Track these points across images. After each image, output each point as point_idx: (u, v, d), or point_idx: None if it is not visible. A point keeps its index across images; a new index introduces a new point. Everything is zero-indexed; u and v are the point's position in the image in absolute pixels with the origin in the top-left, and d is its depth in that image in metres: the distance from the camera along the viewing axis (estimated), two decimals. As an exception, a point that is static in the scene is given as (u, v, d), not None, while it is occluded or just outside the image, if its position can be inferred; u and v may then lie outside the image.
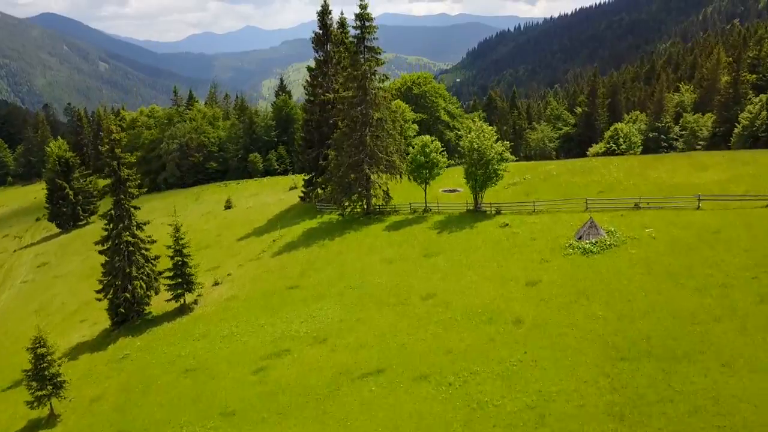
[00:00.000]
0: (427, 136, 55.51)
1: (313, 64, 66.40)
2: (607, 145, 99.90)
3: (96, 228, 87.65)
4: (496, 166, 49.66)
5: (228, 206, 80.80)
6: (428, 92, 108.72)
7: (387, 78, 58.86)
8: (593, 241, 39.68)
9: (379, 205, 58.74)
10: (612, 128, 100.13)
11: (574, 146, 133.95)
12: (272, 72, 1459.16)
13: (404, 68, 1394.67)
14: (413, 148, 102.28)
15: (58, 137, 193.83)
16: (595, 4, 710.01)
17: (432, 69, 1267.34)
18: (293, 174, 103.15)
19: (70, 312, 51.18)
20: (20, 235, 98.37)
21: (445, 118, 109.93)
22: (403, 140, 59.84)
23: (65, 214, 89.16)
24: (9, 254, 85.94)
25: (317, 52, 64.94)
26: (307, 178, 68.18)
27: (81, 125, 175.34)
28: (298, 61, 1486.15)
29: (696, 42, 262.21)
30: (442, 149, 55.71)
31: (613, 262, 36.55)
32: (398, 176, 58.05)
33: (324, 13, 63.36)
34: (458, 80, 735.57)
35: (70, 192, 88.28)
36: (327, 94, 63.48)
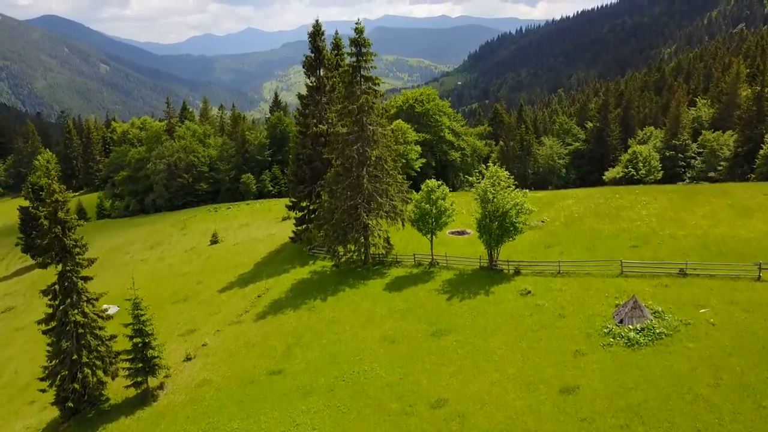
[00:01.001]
0: (433, 181, 48.37)
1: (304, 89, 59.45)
2: (626, 170, 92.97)
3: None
4: (514, 219, 42.60)
5: (214, 241, 73.81)
6: (431, 110, 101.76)
7: (378, 85, 51.66)
8: (638, 327, 32.58)
9: (378, 254, 51.70)
10: (630, 151, 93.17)
11: (585, 163, 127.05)
12: (273, 74, 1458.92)
13: (405, 70, 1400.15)
14: (415, 172, 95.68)
15: (46, 150, 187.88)
16: (597, 7, 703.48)
17: (433, 71, 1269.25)
18: (288, 198, 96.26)
19: (21, 386, 44.10)
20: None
21: (450, 137, 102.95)
22: (405, 181, 52.62)
23: (40, 245, 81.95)
24: (-23, 291, 78.97)
25: (309, 77, 57.86)
26: (298, 216, 61.16)
27: (70, 137, 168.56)
28: (298, 64, 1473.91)
29: (705, 49, 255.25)
30: (449, 194, 48.54)
31: (667, 361, 29.42)
32: (400, 222, 50.96)
33: (316, 34, 56.35)
34: (459, 83, 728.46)
35: (45, 222, 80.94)
36: (320, 126, 56.44)
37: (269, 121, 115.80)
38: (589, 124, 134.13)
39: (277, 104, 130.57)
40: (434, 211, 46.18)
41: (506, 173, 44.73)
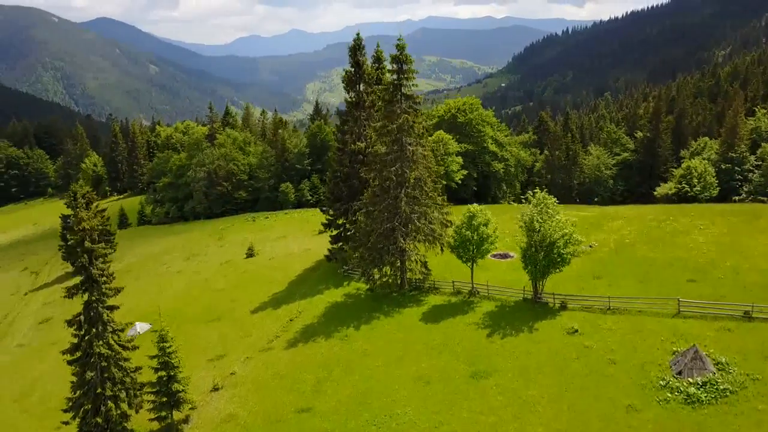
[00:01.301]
0: (475, 206, 45.92)
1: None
2: (679, 186, 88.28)
3: (112, 268, 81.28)
4: (562, 250, 39.82)
5: (250, 254, 72.93)
6: (474, 120, 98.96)
7: (419, 104, 49.43)
8: (699, 381, 29.54)
9: (415, 279, 49.53)
10: (684, 165, 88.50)
11: (633, 174, 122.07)
12: (316, 75, 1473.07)
13: (448, 71, 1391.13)
14: (456, 184, 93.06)
15: (93, 153, 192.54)
16: (647, 8, 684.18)
17: (476, 72, 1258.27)
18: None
19: (50, 408, 43.70)
20: (37, 269, 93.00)
21: (493, 148, 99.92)
22: (445, 203, 50.29)
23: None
24: (20, 297, 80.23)
25: (348, 93, 56.14)
26: (334, 234, 59.51)
27: (116, 140, 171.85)
28: (341, 65, 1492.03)
29: (764, 52, 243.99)
30: (491, 219, 45.93)
31: (734, 425, 26.41)
32: (439, 247, 48.68)
33: (356, 48, 54.60)
34: (503, 85, 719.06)
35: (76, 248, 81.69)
36: (358, 143, 54.65)
37: (309, 130, 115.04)
38: (639, 134, 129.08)
39: (317, 112, 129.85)
40: (475, 237, 43.73)
41: (554, 199, 41.90)
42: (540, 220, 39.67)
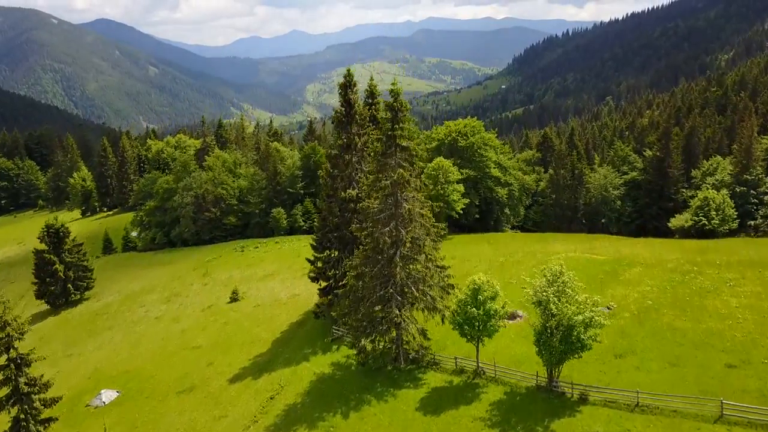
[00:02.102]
0: (481, 276, 40.05)
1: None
2: (696, 218, 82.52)
3: (89, 309, 75.85)
4: (582, 336, 34.11)
5: (234, 298, 67.31)
6: (476, 144, 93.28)
7: (416, 156, 44.09)
8: None
9: (413, 351, 43.81)
10: (701, 196, 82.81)
11: (642, 195, 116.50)
12: (317, 76, 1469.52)
13: (448, 72, 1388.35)
14: (457, 214, 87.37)
15: (82, 166, 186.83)
16: (648, 9, 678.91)
17: (476, 74, 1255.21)
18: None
19: None
20: (11, 305, 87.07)
21: (496, 173, 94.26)
22: (446, 267, 44.62)
23: (53, 293, 77.31)
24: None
25: (339, 135, 50.46)
26: (322, 287, 53.80)
27: (105, 155, 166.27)
28: (342, 66, 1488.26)
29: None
30: (499, 295, 40.11)
31: None
32: (439, 318, 42.98)
33: (347, 86, 48.87)
34: (503, 87, 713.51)
35: (60, 267, 76.30)
36: (350, 190, 48.95)
37: (303, 151, 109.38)
38: (648, 152, 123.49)
39: (311, 132, 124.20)
40: (481, 314, 37.98)
41: (573, 275, 36.09)
42: (557, 304, 33.89)
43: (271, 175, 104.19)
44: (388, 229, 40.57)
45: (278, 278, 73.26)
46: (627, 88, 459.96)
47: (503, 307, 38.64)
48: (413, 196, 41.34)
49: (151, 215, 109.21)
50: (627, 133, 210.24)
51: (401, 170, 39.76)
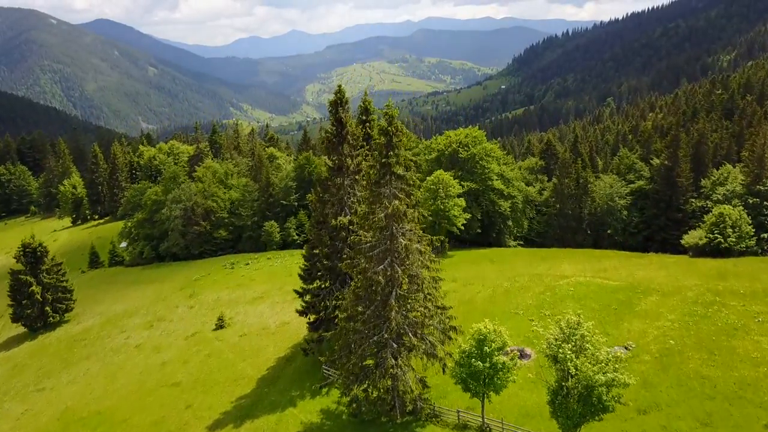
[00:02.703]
0: (488, 324, 35.25)
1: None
2: (711, 235, 77.88)
3: (67, 333, 71.42)
4: (603, 397, 29.62)
5: (220, 325, 62.84)
6: (478, 155, 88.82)
7: (414, 186, 39.55)
8: None
9: (411, 401, 39.28)
10: (717, 212, 78.19)
11: (649, 205, 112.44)
12: (316, 76, 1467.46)
13: (448, 72, 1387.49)
14: (458, 231, 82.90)
15: (74, 173, 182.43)
16: (648, 9, 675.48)
17: (476, 73, 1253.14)
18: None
19: None
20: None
21: (499, 185, 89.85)
22: (447, 308, 40.17)
23: (30, 316, 72.79)
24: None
25: (328, 156, 45.97)
26: (311, 321, 49.30)
27: (96, 162, 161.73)
28: (341, 66, 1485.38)
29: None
30: (507, 347, 35.49)
31: None
32: (440, 366, 38.52)
33: (338, 104, 44.35)
34: (503, 87, 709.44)
35: (37, 289, 71.80)
36: (341, 218, 44.51)
37: (297, 161, 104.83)
38: (655, 161, 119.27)
39: (305, 142, 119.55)
40: (487, 367, 33.46)
41: (591, 326, 31.49)
42: (576, 364, 29.36)
43: (263, 186, 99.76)
44: (382, 267, 36.10)
45: (268, 301, 68.80)
46: (628, 88, 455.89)
47: (512, 360, 34.02)
48: (410, 230, 36.87)
49: (140, 228, 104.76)
50: (630, 136, 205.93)
51: (396, 202, 35.28)
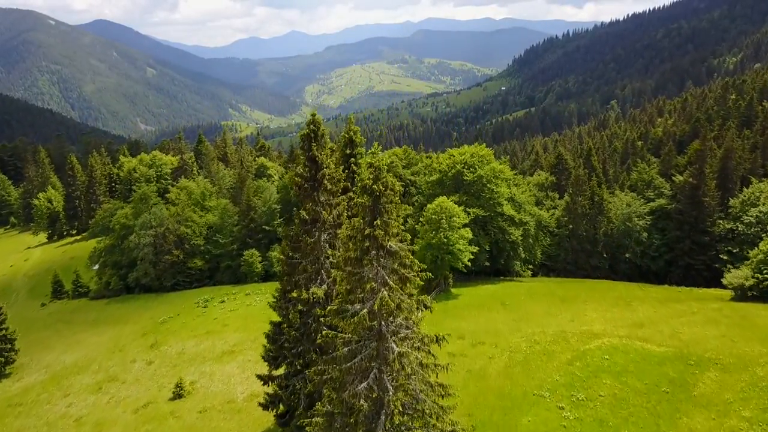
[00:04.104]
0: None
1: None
2: (759, 275, 66.89)
3: (4, 393, 60.50)
4: None
5: (178, 394, 51.90)
6: (486, 177, 77.90)
7: (411, 267, 28.92)
8: None
9: None
10: (765, 248, 67.31)
11: (672, 227, 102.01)
12: (316, 77, 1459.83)
13: (447, 73, 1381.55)
14: (464, 268, 71.79)
15: (55, 183, 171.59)
16: (649, 10, 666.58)
17: (476, 74, 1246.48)
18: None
19: None
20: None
21: (509, 211, 78.88)
22: (457, 423, 29.15)
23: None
24: None
25: (301, 203, 34.99)
26: (279, 413, 38.30)
27: (73, 174, 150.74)
28: (341, 67, 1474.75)
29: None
30: None
31: None
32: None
33: (312, 138, 33.39)
34: (503, 88, 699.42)
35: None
36: (314, 289, 33.61)
37: (281, 183, 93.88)
38: (678, 177, 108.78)
39: (293, 160, 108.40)
40: None
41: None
42: None
43: (244, 209, 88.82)
44: (365, 384, 25.15)
45: (239, 358, 57.83)
46: (632, 91, 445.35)
47: None
48: (408, 327, 25.94)
49: (107, 254, 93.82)
50: (640, 143, 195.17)
51: (385, 292, 24.33)
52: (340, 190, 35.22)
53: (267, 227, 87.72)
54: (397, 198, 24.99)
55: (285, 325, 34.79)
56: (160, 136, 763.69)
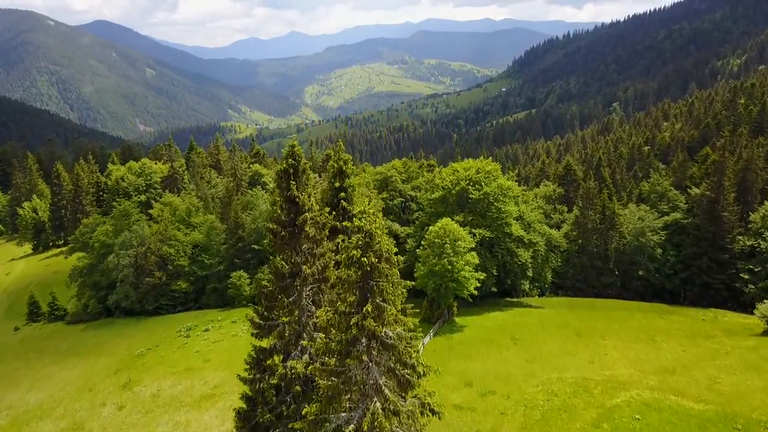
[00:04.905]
0: None
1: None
2: (797, 307, 60.83)
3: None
4: None
5: (147, 451, 45.55)
6: (493, 195, 71.52)
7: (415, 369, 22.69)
8: None
9: None
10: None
11: (689, 243, 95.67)
12: (315, 78, 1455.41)
13: (447, 74, 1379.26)
14: (470, 298, 65.25)
15: (42, 191, 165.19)
16: (650, 11, 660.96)
17: (476, 75, 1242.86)
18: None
19: None
20: None
21: (518, 231, 72.55)
22: None
23: None
24: None
25: (279, 253, 28.67)
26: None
27: (59, 183, 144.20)
28: (341, 67, 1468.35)
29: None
30: None
31: None
32: None
33: (290, 175, 27.23)
34: (504, 89, 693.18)
35: None
36: (291, 361, 27.27)
37: (272, 196, 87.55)
38: (694, 190, 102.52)
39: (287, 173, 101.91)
40: None
41: None
42: None
43: (231, 227, 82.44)
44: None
45: (219, 404, 51.44)
46: (634, 93, 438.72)
47: None
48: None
49: (86, 274, 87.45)
50: (646, 149, 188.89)
51: (378, 404, 17.96)
52: (326, 235, 28.89)
53: (256, 246, 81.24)
54: (394, 271, 18.63)
55: (259, 404, 28.40)
56: (159, 137, 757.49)
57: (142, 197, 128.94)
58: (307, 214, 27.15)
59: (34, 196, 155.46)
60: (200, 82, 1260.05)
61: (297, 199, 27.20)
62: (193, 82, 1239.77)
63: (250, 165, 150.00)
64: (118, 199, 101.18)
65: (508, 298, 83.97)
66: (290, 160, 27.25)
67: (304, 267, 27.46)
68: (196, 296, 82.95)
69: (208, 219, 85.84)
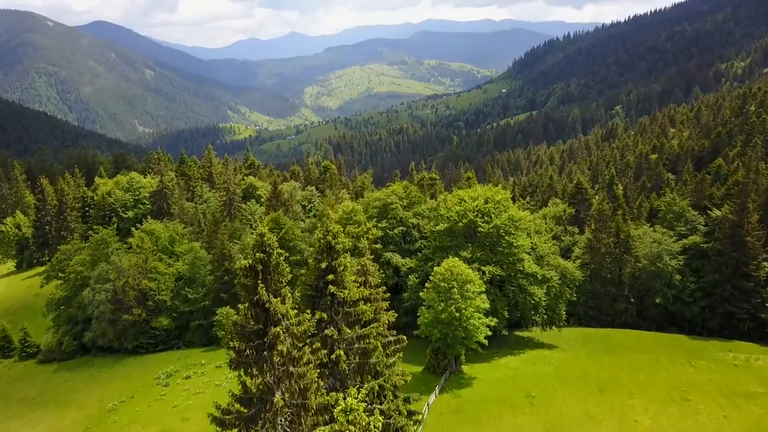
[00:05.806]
0: None
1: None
2: None
3: None
4: None
5: None
6: (503, 227, 64.83)
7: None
8: None
9: None
10: None
11: (709, 269, 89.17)
12: (315, 79, 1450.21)
13: (447, 74, 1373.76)
14: (481, 348, 58.21)
15: (17, 213, 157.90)
16: (651, 12, 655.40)
17: (476, 76, 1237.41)
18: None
19: None
20: None
21: (531, 267, 65.84)
22: None
23: None
24: None
25: (242, 371, 21.99)
26: None
27: (44, 198, 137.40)
28: (341, 68, 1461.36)
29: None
30: None
31: None
32: None
33: (262, 273, 20.39)
34: (504, 91, 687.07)
35: None
36: None
37: (263, 224, 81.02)
38: (715, 212, 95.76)
39: (276, 196, 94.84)
40: None
41: None
42: None
43: (218, 257, 75.76)
44: None
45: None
46: (637, 96, 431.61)
47: None
48: None
49: (62, 307, 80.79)
50: (654, 157, 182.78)
51: None
52: (306, 342, 22.20)
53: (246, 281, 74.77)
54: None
55: None
56: (158, 139, 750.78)
57: (130, 213, 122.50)
58: (280, 326, 20.44)
59: (18, 211, 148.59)
60: (200, 83, 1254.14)
61: (267, 305, 20.49)
62: (192, 83, 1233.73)
63: (244, 177, 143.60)
64: (95, 227, 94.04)
65: (517, 332, 77.56)
66: (259, 253, 20.55)
67: (276, 394, 20.75)
68: (179, 333, 76.26)
69: (193, 248, 79.10)
